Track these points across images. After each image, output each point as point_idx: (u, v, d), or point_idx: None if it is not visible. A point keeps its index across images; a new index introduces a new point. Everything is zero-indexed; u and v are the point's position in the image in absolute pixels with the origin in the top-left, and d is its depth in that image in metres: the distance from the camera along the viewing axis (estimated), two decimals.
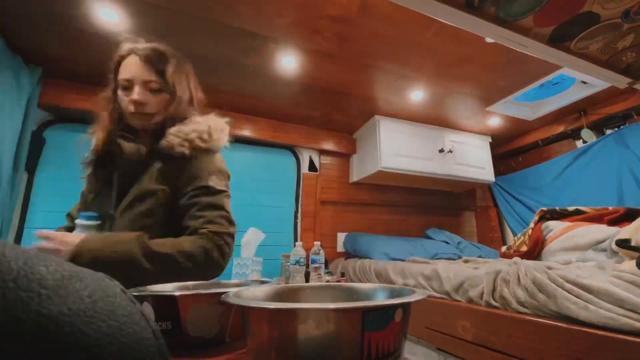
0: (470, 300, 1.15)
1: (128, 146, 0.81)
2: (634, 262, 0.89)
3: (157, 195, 0.77)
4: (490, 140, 2.71)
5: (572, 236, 1.34)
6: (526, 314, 0.93)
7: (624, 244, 1.01)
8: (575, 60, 1.02)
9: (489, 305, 1.06)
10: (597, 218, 1.40)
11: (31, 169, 1.74)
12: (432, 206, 2.94)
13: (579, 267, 0.93)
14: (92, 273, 0.19)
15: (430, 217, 2.90)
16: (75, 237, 0.66)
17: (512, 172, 2.85)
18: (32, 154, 1.70)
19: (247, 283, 0.63)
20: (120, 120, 0.84)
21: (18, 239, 1.67)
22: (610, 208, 1.41)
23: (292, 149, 2.53)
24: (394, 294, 0.41)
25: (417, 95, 2.07)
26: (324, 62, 1.71)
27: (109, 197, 0.80)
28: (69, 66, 1.70)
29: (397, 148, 2.32)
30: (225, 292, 0.37)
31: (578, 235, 1.32)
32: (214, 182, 0.80)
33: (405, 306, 0.31)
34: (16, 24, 1.40)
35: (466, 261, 1.68)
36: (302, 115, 2.35)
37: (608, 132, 2.22)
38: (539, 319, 0.87)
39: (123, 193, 0.79)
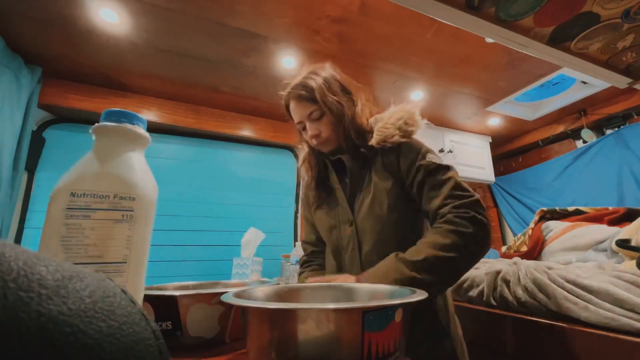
0: (470, 301, 1.15)
1: (346, 159, 0.85)
2: (634, 262, 0.89)
3: (390, 190, 0.78)
4: (490, 140, 2.71)
5: (572, 236, 1.34)
6: (526, 314, 0.93)
7: (624, 244, 1.01)
8: (575, 60, 1.02)
9: (489, 305, 1.06)
10: (597, 218, 1.40)
11: (31, 169, 1.74)
12: None
13: (579, 267, 0.93)
14: (92, 273, 0.19)
15: None
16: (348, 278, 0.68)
17: (512, 172, 2.84)
18: (32, 153, 1.70)
19: (247, 283, 0.63)
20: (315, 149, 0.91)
21: (18, 239, 1.67)
22: (610, 208, 1.41)
23: (292, 149, 2.53)
24: (394, 294, 0.41)
25: (417, 95, 2.07)
26: (324, 62, 1.71)
27: (342, 206, 0.84)
28: (69, 66, 1.70)
29: None
30: (225, 292, 0.37)
31: (578, 236, 1.32)
32: (434, 159, 0.78)
33: (405, 306, 0.31)
34: (16, 24, 1.40)
35: None
36: None
37: (608, 132, 2.22)
38: (539, 319, 0.87)
39: (351, 201, 0.84)
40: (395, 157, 0.80)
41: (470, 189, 0.74)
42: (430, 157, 0.77)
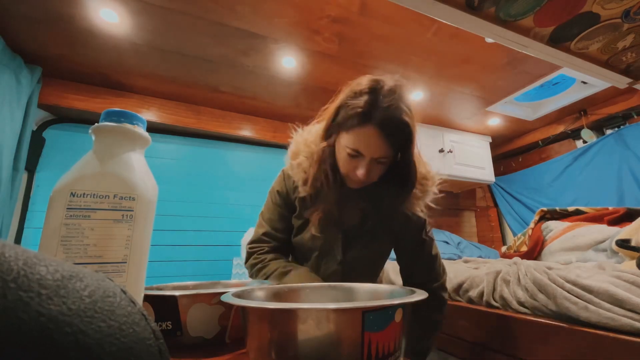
0: (471, 301, 1.15)
1: (364, 203, 0.78)
2: (634, 262, 0.89)
3: (387, 247, 0.87)
4: (490, 140, 2.71)
5: (572, 236, 1.34)
6: (526, 314, 0.93)
7: (624, 244, 1.01)
8: (575, 60, 1.02)
9: (489, 305, 1.06)
10: (597, 218, 1.40)
11: (31, 168, 1.74)
12: (432, 206, 2.93)
13: (579, 267, 0.93)
14: (92, 273, 0.19)
15: (430, 217, 2.89)
16: None
17: (512, 172, 2.84)
18: (32, 153, 1.70)
19: (247, 283, 0.63)
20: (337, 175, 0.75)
21: (18, 239, 1.67)
22: (610, 208, 1.41)
23: None
24: (394, 294, 0.41)
25: (417, 95, 2.07)
26: (324, 62, 1.71)
27: (336, 240, 0.81)
28: (69, 66, 1.70)
29: None
30: (225, 292, 0.37)
31: (578, 236, 1.32)
32: (431, 234, 0.89)
33: (405, 306, 0.31)
34: (16, 24, 1.40)
35: (466, 261, 1.68)
36: (302, 115, 2.35)
37: (608, 132, 2.22)
38: (539, 319, 0.87)
39: (349, 239, 0.81)
40: (403, 222, 0.82)
41: (443, 266, 0.90)
42: (429, 233, 0.88)
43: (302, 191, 0.77)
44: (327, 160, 0.72)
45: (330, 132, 0.72)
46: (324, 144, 0.72)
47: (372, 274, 0.90)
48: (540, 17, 0.87)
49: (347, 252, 0.81)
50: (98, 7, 1.31)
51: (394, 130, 0.64)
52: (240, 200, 2.19)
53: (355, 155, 0.67)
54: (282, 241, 0.85)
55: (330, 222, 0.78)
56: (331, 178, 0.73)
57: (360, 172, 0.66)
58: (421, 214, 0.82)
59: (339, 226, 0.80)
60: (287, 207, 0.85)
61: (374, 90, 0.66)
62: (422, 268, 0.86)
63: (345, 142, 0.67)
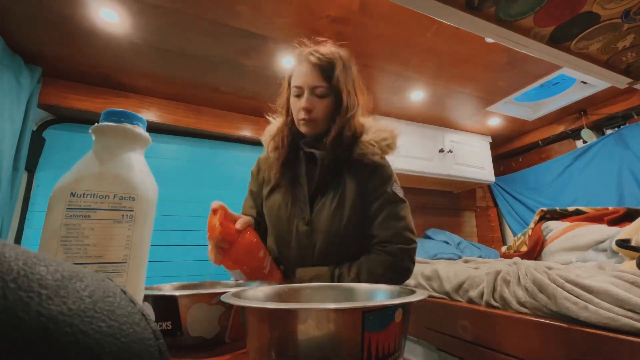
0: (471, 301, 1.15)
1: (320, 154, 0.81)
2: (634, 262, 0.89)
3: (355, 204, 0.79)
4: (490, 140, 2.71)
5: (572, 236, 1.34)
6: (526, 314, 0.93)
7: (624, 244, 1.01)
8: (575, 60, 1.02)
9: (489, 305, 1.06)
10: (597, 218, 1.40)
11: (31, 168, 1.74)
12: (432, 206, 2.94)
13: (579, 267, 0.93)
14: (92, 273, 0.19)
15: (430, 217, 2.90)
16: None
17: (512, 172, 2.85)
18: (32, 153, 1.70)
19: (247, 283, 0.63)
20: (293, 128, 0.86)
21: (18, 239, 1.67)
22: (610, 208, 1.41)
23: None
24: (394, 294, 0.41)
25: (417, 95, 2.07)
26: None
27: (301, 200, 0.82)
28: (69, 66, 1.70)
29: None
30: (225, 292, 0.37)
31: (578, 236, 1.32)
32: (398, 191, 0.83)
33: (406, 306, 0.31)
34: (16, 24, 1.40)
35: (466, 261, 1.68)
36: None
37: (608, 132, 2.22)
38: (539, 319, 0.87)
39: (312, 200, 0.82)
40: (368, 174, 0.82)
41: (414, 234, 0.81)
42: (395, 188, 0.82)
43: (270, 154, 0.88)
44: (284, 110, 0.87)
45: (286, 90, 0.86)
46: (284, 95, 0.87)
47: (341, 240, 0.79)
48: (540, 17, 0.87)
49: (313, 209, 0.80)
50: (98, 7, 1.31)
51: (322, 59, 0.79)
52: (240, 200, 2.18)
53: (298, 93, 0.80)
54: (257, 221, 0.90)
55: (293, 179, 0.84)
56: (287, 128, 0.85)
57: (302, 102, 0.79)
58: (388, 168, 0.85)
59: (301, 182, 0.83)
60: (257, 184, 0.94)
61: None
62: (383, 225, 0.78)
63: (292, 86, 0.82)
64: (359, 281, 0.72)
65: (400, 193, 0.83)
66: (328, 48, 0.83)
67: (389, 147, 0.84)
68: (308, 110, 0.79)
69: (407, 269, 0.77)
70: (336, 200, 0.79)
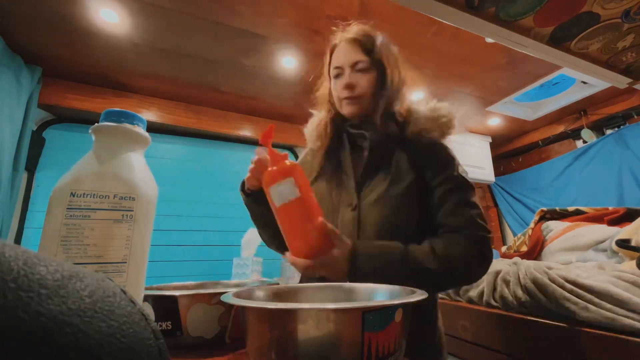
0: (471, 301, 1.15)
1: (369, 134, 0.73)
2: (634, 262, 0.89)
3: (411, 188, 0.69)
4: (490, 140, 2.71)
5: (572, 236, 1.34)
6: (526, 314, 0.93)
7: (624, 244, 1.01)
8: (575, 60, 1.02)
9: (489, 305, 1.06)
10: (597, 218, 1.40)
11: (31, 168, 1.74)
12: None
13: (579, 267, 0.93)
14: (92, 273, 0.19)
15: None
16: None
17: (512, 172, 2.85)
18: (32, 153, 1.70)
19: (247, 283, 0.63)
20: (336, 114, 0.80)
21: (18, 239, 1.67)
22: (610, 208, 1.41)
23: (292, 149, 2.53)
24: (394, 294, 0.41)
25: (417, 95, 2.07)
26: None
27: (347, 187, 0.73)
28: (69, 66, 1.70)
29: None
30: (225, 292, 0.37)
31: (578, 236, 1.32)
32: (466, 175, 0.73)
33: (406, 306, 0.31)
34: (16, 24, 1.40)
35: None
36: (302, 115, 2.34)
37: (608, 132, 2.22)
38: (539, 319, 0.87)
39: (360, 184, 0.73)
40: (427, 155, 0.72)
41: (487, 222, 0.69)
42: (462, 172, 0.73)
43: (313, 146, 0.84)
44: (326, 100, 0.81)
45: (326, 77, 0.81)
46: (325, 85, 0.81)
47: (393, 228, 0.68)
48: (540, 17, 0.87)
49: (361, 194, 0.72)
50: (98, 7, 1.31)
51: (359, 34, 0.75)
52: (240, 200, 2.18)
53: (339, 73, 0.75)
54: None
55: (337, 166, 0.77)
56: (331, 113, 0.80)
57: (344, 79, 0.73)
58: (449, 149, 0.76)
59: (346, 168, 0.76)
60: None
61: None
62: (455, 213, 0.67)
63: (331, 67, 0.77)
64: (433, 261, 0.61)
65: (467, 177, 0.73)
66: (363, 25, 0.78)
67: (447, 126, 0.75)
68: (351, 87, 0.72)
69: (488, 259, 0.66)
70: (386, 183, 0.70)
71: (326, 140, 0.79)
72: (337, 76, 0.75)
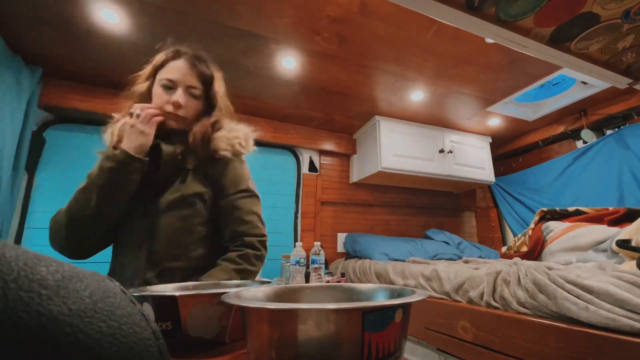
0: (471, 301, 1.15)
1: (166, 147, 0.79)
2: (634, 262, 0.89)
3: (203, 196, 0.80)
4: (491, 140, 2.71)
5: (573, 237, 1.34)
6: (526, 314, 0.93)
7: (624, 244, 1.01)
8: (576, 61, 1.02)
9: (489, 305, 1.06)
10: (597, 218, 1.40)
11: (31, 169, 1.74)
12: (432, 206, 2.94)
13: (580, 267, 0.93)
14: (93, 273, 0.19)
15: (430, 217, 2.90)
16: None
17: (512, 172, 2.85)
18: (32, 154, 1.70)
19: (247, 283, 0.63)
20: None
21: (18, 239, 1.67)
22: (610, 208, 1.41)
23: (292, 150, 2.53)
24: (394, 294, 0.41)
25: (417, 95, 2.07)
26: (324, 62, 1.71)
27: (146, 195, 0.78)
28: (69, 66, 1.70)
29: (397, 148, 2.32)
30: (225, 293, 0.37)
31: (578, 236, 1.32)
32: (252, 187, 0.87)
33: (406, 307, 0.31)
34: (16, 24, 1.40)
35: (466, 262, 1.68)
36: (302, 115, 2.35)
37: (608, 132, 2.22)
38: (539, 319, 0.87)
39: (161, 191, 0.79)
40: (220, 170, 0.83)
41: (264, 224, 0.87)
42: (251, 185, 0.86)
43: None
44: (144, 100, 0.83)
45: (149, 77, 0.85)
46: (147, 85, 0.84)
47: (187, 237, 0.77)
48: (540, 18, 0.87)
49: (157, 201, 0.77)
50: (98, 8, 1.31)
51: (201, 63, 0.84)
52: None
53: (170, 86, 0.80)
54: None
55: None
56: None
57: (176, 97, 0.79)
58: (241, 165, 0.88)
59: (147, 174, 0.79)
60: None
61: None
62: (237, 220, 0.81)
63: (161, 77, 0.81)
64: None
65: (254, 188, 0.88)
66: (201, 51, 0.88)
67: (241, 145, 0.87)
68: (179, 106, 0.80)
69: (263, 257, 0.84)
70: (179, 193, 0.77)
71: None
72: (166, 87, 0.81)
